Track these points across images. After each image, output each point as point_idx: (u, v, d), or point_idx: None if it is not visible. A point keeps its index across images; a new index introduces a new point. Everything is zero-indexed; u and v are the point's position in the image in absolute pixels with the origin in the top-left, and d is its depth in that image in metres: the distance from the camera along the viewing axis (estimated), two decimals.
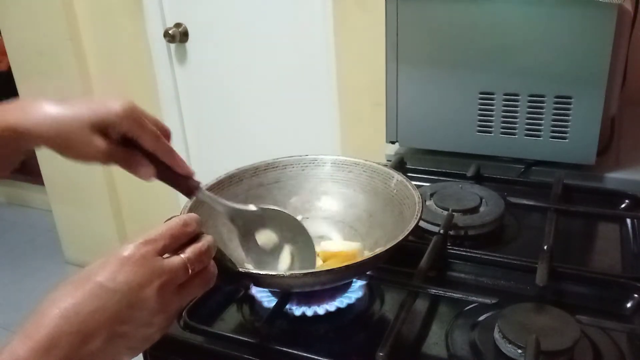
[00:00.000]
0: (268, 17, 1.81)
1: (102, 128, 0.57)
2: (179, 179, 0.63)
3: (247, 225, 0.69)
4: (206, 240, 0.51)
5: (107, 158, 0.58)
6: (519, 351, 0.60)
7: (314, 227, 0.82)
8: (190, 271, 0.49)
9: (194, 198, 0.68)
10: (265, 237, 0.70)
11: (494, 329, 0.64)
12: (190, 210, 0.71)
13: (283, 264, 0.71)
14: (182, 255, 0.49)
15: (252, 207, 0.68)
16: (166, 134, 0.62)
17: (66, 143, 0.57)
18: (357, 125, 1.75)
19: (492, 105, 1.06)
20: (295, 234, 0.71)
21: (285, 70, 1.85)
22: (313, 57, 1.77)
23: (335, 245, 0.76)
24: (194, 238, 0.51)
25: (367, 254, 0.71)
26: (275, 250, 0.71)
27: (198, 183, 0.64)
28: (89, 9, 2.05)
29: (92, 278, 0.45)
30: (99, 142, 0.57)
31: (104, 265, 0.45)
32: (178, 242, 0.49)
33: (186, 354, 0.69)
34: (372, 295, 0.75)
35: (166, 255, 0.48)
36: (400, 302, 0.67)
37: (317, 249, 0.73)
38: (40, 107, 0.57)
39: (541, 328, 0.62)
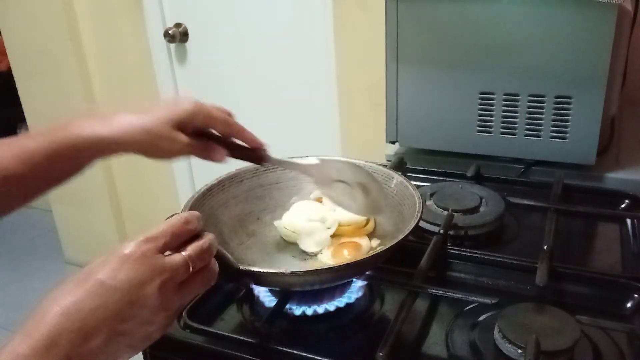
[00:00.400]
0: (268, 17, 1.81)
1: (179, 125, 0.64)
2: (249, 152, 0.70)
3: (322, 176, 0.75)
4: (207, 238, 0.51)
5: (189, 151, 0.65)
6: (519, 351, 0.60)
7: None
8: (191, 269, 0.49)
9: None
10: (336, 185, 0.76)
11: (494, 329, 0.64)
12: (192, 208, 0.71)
13: (355, 204, 0.75)
14: (183, 253, 0.49)
15: (314, 161, 0.75)
16: (231, 116, 0.69)
17: (155, 144, 0.63)
18: (357, 125, 1.75)
19: (492, 105, 1.06)
20: (360, 179, 0.76)
21: (285, 70, 1.85)
22: (313, 57, 1.77)
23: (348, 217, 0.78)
24: (195, 236, 0.51)
25: (368, 253, 0.71)
26: (349, 194, 0.75)
27: (267, 152, 0.71)
28: (89, 9, 2.05)
29: (93, 276, 0.45)
30: (182, 137, 0.64)
31: (105, 263, 0.45)
32: (179, 239, 0.49)
33: (186, 354, 0.69)
34: (372, 295, 0.75)
35: (167, 253, 0.48)
36: (400, 302, 0.67)
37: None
38: (122, 117, 0.63)
39: (541, 328, 0.62)
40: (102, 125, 0.62)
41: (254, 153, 0.70)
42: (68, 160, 0.63)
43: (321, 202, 0.82)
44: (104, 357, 0.45)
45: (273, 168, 0.84)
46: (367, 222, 0.79)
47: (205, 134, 0.67)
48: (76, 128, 0.62)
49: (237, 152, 0.69)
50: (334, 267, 0.66)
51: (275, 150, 0.74)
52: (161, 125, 0.62)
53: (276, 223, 0.81)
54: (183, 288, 0.49)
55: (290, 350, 0.64)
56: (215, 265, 0.52)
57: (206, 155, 0.67)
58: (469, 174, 1.01)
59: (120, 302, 0.44)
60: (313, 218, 0.78)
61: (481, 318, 0.69)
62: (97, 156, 0.65)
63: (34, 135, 0.62)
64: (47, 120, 0.63)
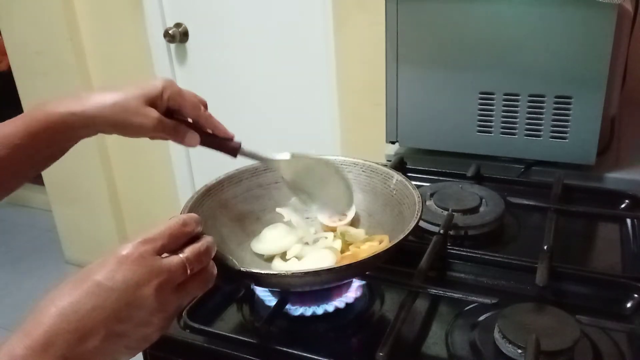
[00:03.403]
0: (268, 17, 1.81)
1: (151, 102, 0.64)
2: (220, 142, 0.69)
3: (292, 172, 0.74)
4: (205, 241, 0.51)
5: (160, 128, 0.65)
6: (519, 351, 0.60)
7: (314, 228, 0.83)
8: (189, 271, 0.49)
9: (203, 190, 0.76)
10: (306, 183, 0.75)
11: (494, 329, 0.64)
12: (191, 210, 0.71)
13: (323, 201, 0.76)
14: (181, 255, 0.49)
15: (286, 156, 0.73)
16: (203, 103, 0.69)
17: (125, 120, 0.64)
18: (357, 125, 1.75)
19: (492, 105, 1.06)
20: (329, 175, 0.75)
21: (285, 70, 1.85)
22: (313, 57, 1.77)
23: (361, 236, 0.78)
24: (194, 238, 0.51)
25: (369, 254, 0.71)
26: (318, 194, 0.76)
27: (239, 143, 0.70)
28: (89, 9, 2.05)
29: (91, 277, 0.45)
30: (153, 112, 0.64)
31: (103, 264, 0.45)
32: (177, 241, 0.49)
33: (186, 354, 0.69)
34: (372, 295, 0.75)
35: (165, 254, 0.48)
36: (400, 302, 0.67)
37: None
38: (95, 95, 0.64)
39: (541, 328, 0.62)
40: (75, 103, 0.63)
41: (225, 143, 0.70)
42: (46, 140, 0.63)
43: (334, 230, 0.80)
44: (101, 358, 0.45)
45: (273, 168, 0.84)
46: (381, 241, 0.76)
47: (178, 119, 0.67)
48: (50, 108, 0.63)
49: (208, 140, 0.69)
50: (334, 267, 0.66)
51: (275, 149, 0.73)
52: (132, 100, 0.63)
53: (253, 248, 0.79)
54: (181, 290, 0.49)
55: (290, 351, 0.64)
56: (213, 268, 0.52)
57: (178, 137, 0.67)
58: (469, 174, 1.01)
59: (117, 303, 0.44)
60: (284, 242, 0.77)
61: (481, 318, 0.69)
62: (74, 135, 0.65)
63: (11, 120, 0.63)
64: None
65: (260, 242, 0.78)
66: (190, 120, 0.68)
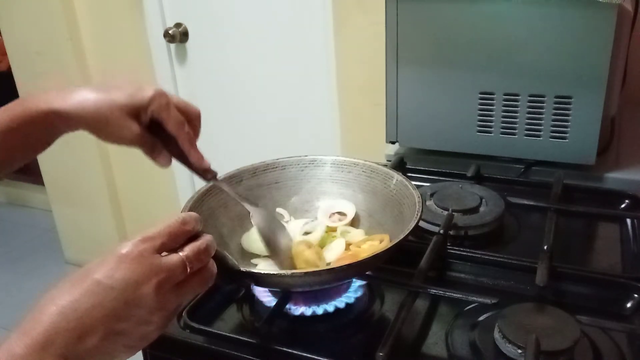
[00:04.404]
0: (268, 17, 1.80)
1: (135, 112, 0.62)
2: (195, 167, 0.68)
3: (257, 216, 0.73)
4: (205, 239, 0.51)
5: (138, 142, 0.64)
6: (519, 351, 0.60)
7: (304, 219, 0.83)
8: (188, 269, 0.49)
9: (196, 196, 0.75)
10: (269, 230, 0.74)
11: (494, 329, 0.64)
12: (191, 209, 0.71)
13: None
14: (180, 254, 0.49)
15: (247, 205, 0.73)
16: (195, 115, 0.67)
17: (104, 126, 0.62)
18: (357, 125, 1.75)
19: (492, 105, 1.06)
20: (277, 227, 0.75)
21: (285, 70, 1.85)
22: (313, 57, 1.77)
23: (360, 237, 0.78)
24: (193, 237, 0.51)
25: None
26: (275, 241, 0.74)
27: (214, 173, 0.69)
28: (89, 9, 2.05)
29: (90, 275, 0.45)
30: (134, 127, 0.62)
31: (102, 263, 0.45)
32: (176, 240, 0.49)
33: (186, 354, 0.69)
34: (372, 295, 0.75)
35: (164, 253, 0.48)
36: (400, 302, 0.67)
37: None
38: (79, 92, 0.62)
39: (541, 328, 0.62)
40: (57, 99, 0.62)
41: (197, 168, 0.68)
42: (26, 134, 0.62)
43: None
44: (101, 357, 0.45)
45: (273, 168, 0.84)
46: (382, 240, 0.76)
47: (163, 130, 0.64)
48: (32, 102, 0.62)
49: (185, 161, 0.67)
50: (334, 267, 0.66)
51: (275, 150, 0.74)
52: (115, 109, 0.61)
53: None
54: (180, 288, 0.49)
55: (290, 350, 0.64)
56: (213, 266, 0.52)
57: (153, 154, 0.66)
58: (469, 174, 1.01)
59: (117, 302, 0.44)
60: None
61: (481, 318, 0.69)
62: (55, 130, 0.64)
63: None
64: None
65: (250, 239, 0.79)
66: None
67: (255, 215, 0.73)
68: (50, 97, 0.62)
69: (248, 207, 0.73)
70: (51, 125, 0.63)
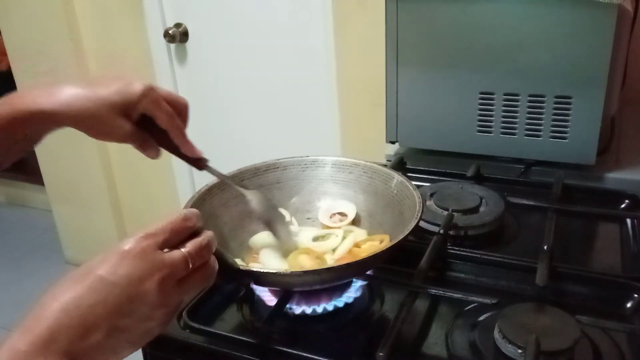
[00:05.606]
0: (268, 17, 1.81)
1: (125, 110, 0.62)
2: (188, 156, 0.68)
3: (257, 202, 0.74)
4: (206, 236, 0.51)
5: (128, 138, 0.64)
6: (519, 351, 0.60)
7: (314, 228, 0.83)
8: (190, 265, 0.49)
9: (196, 196, 0.75)
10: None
11: (494, 329, 0.64)
12: (192, 206, 0.71)
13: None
14: (182, 250, 0.49)
15: (241, 190, 0.75)
16: (183, 107, 0.66)
17: (93, 124, 0.62)
18: (357, 125, 1.75)
19: (492, 105, 1.06)
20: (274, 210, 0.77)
21: (285, 70, 1.85)
22: (313, 57, 1.77)
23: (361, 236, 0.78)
24: (195, 233, 0.51)
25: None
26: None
27: (206, 161, 0.69)
28: (89, 8, 2.05)
29: (93, 272, 0.45)
30: (125, 125, 0.62)
31: (105, 259, 0.45)
32: (178, 236, 0.49)
33: (186, 354, 0.69)
34: (372, 295, 0.75)
35: (166, 249, 0.48)
36: (400, 302, 0.67)
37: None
38: (67, 89, 0.61)
39: (541, 328, 0.62)
40: (44, 97, 0.61)
41: (192, 159, 0.69)
42: (13, 133, 0.62)
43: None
44: (104, 353, 0.44)
45: (275, 168, 0.84)
46: (382, 240, 0.76)
47: (153, 124, 0.64)
48: (18, 100, 0.61)
49: (178, 152, 0.67)
50: (334, 267, 0.66)
51: (276, 150, 0.74)
52: (105, 108, 0.60)
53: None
54: (183, 284, 0.48)
55: (290, 350, 0.64)
56: (214, 263, 0.52)
57: (143, 148, 0.66)
58: (469, 174, 1.01)
59: (119, 298, 0.44)
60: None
61: (481, 318, 0.69)
62: (43, 129, 0.63)
63: None
64: None
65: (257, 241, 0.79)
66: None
67: (252, 199, 0.74)
68: (37, 96, 0.61)
69: (243, 191, 0.74)
70: (38, 124, 0.62)
